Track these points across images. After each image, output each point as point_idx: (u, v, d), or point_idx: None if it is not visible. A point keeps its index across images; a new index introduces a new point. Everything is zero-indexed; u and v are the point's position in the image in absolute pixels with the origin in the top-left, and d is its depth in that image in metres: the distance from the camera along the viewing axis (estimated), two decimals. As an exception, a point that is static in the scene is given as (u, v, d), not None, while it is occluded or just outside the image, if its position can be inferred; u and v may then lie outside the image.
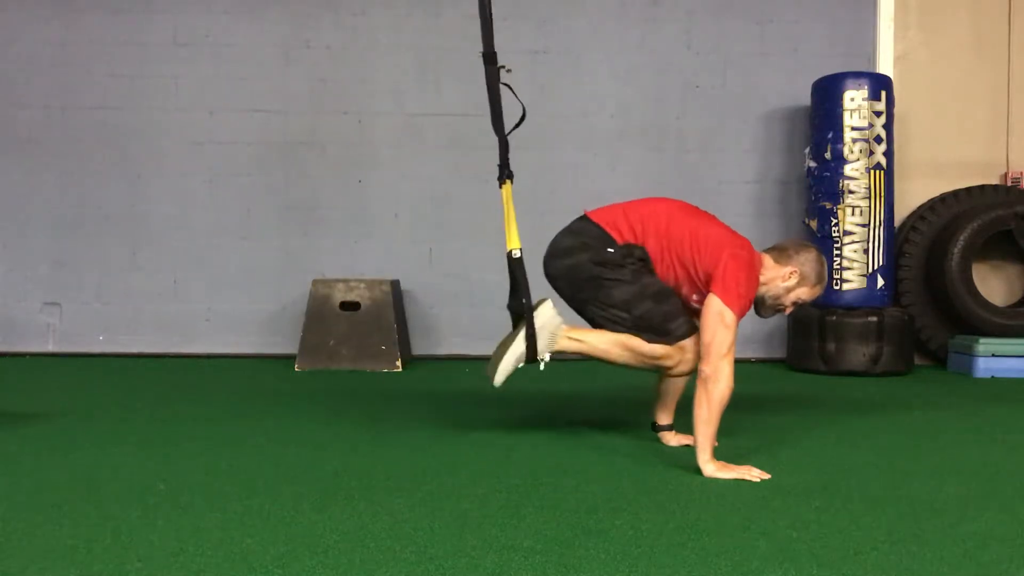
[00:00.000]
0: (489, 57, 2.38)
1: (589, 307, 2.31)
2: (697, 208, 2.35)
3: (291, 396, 3.34)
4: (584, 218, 2.33)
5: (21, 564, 1.34)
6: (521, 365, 2.30)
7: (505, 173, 2.39)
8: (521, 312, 2.28)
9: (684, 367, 2.28)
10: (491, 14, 2.38)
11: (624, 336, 2.26)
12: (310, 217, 4.95)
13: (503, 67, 2.38)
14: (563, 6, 5.04)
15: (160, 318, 4.93)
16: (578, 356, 2.34)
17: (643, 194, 4.85)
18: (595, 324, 2.32)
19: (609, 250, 2.25)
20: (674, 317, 2.24)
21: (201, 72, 4.96)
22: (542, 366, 2.30)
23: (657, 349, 2.24)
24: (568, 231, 2.35)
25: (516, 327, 2.30)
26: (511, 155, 2.44)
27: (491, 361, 2.30)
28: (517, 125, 2.43)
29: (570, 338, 2.28)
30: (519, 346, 2.27)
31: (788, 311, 2.33)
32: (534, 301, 2.30)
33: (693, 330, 2.24)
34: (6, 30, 4.93)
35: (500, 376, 2.27)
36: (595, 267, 2.25)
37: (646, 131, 5.05)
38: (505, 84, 2.37)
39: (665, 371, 2.32)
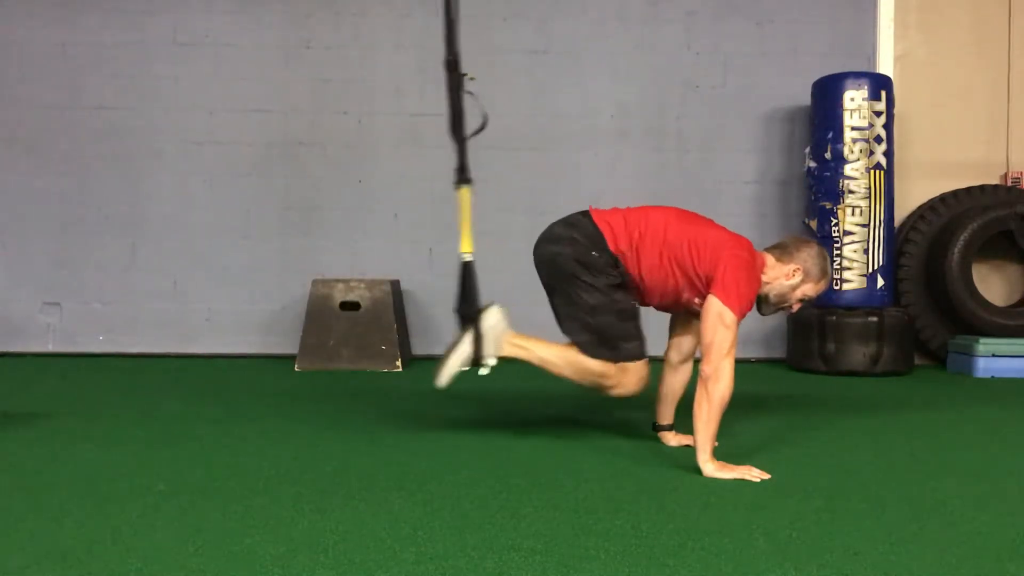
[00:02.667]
0: (451, 64, 2.41)
1: (557, 298, 2.33)
2: (696, 214, 2.35)
3: (291, 396, 3.34)
4: (585, 213, 2.33)
5: (21, 564, 1.34)
6: (467, 368, 2.33)
7: (463, 177, 2.41)
8: (469, 316, 2.32)
9: (621, 390, 2.29)
10: (456, 19, 2.41)
11: (568, 351, 2.30)
12: (310, 217, 4.95)
13: (466, 75, 2.41)
14: (563, 6, 5.04)
15: (160, 318, 4.93)
16: (522, 360, 2.36)
17: (643, 194, 4.91)
18: (558, 316, 2.34)
19: (594, 253, 2.24)
20: (630, 338, 2.26)
21: (201, 72, 4.96)
22: (486, 370, 2.33)
23: (597, 367, 2.26)
24: (565, 221, 2.35)
25: (464, 330, 2.34)
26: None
27: (440, 362, 2.35)
28: (478, 132, 2.44)
29: (514, 344, 2.33)
30: (465, 348, 2.31)
31: (795, 309, 2.33)
32: (484, 305, 2.34)
33: (642, 356, 2.27)
34: (6, 30, 4.93)
35: (445, 377, 2.33)
36: (575, 265, 2.25)
37: (646, 131, 5.05)
38: (469, 92, 2.41)
39: (603, 390, 2.31)
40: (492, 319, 2.32)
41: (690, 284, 2.23)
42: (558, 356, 2.31)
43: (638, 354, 2.27)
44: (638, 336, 2.29)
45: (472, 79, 2.42)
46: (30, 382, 3.78)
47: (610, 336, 2.25)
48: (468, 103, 2.44)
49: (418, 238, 4.99)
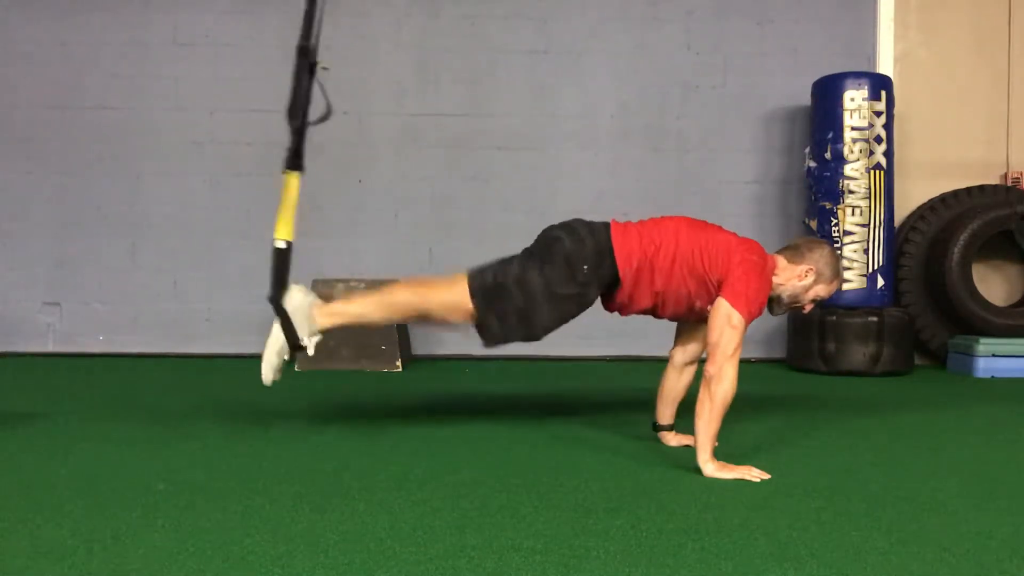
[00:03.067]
0: (303, 50, 2.42)
1: (520, 255, 2.31)
2: (706, 222, 2.34)
3: (291, 396, 3.34)
4: (607, 226, 2.30)
5: (21, 564, 1.34)
6: (287, 357, 2.29)
7: (296, 163, 2.43)
8: (275, 303, 2.28)
9: (434, 307, 2.25)
10: (317, 8, 2.41)
11: (377, 295, 2.30)
12: (310, 217, 4.94)
13: (319, 63, 2.42)
14: (563, 6, 5.04)
15: (160, 318, 4.93)
16: (342, 327, 2.34)
17: (643, 194, 4.91)
18: (496, 261, 2.32)
19: (585, 267, 2.22)
20: (503, 322, 2.24)
21: (201, 72, 4.96)
22: (311, 351, 2.29)
23: (410, 297, 2.25)
24: (589, 225, 2.31)
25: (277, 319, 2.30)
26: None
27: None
28: (320, 121, 2.46)
29: (327, 314, 2.30)
30: (277, 338, 2.26)
31: (807, 309, 2.33)
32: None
33: (489, 342, 2.27)
34: (6, 30, 4.93)
35: (266, 372, 2.27)
36: (561, 258, 2.23)
37: (646, 131, 5.05)
38: (319, 82, 2.42)
39: (424, 317, 2.29)
40: (295, 299, 2.28)
41: (704, 291, 2.22)
42: (369, 304, 2.29)
43: (487, 333, 2.25)
44: (505, 328, 2.25)
45: (326, 69, 2.43)
46: (30, 382, 3.78)
47: (498, 305, 2.23)
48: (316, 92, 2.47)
49: (418, 238, 4.99)
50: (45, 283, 4.93)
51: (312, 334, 2.28)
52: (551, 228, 2.34)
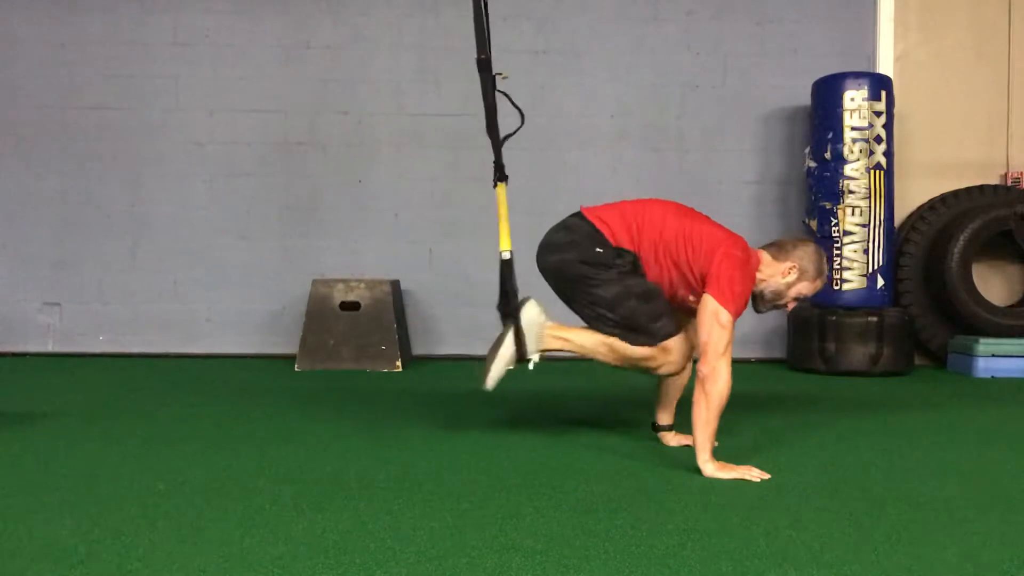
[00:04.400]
0: (483, 64, 2.39)
1: (575, 304, 2.32)
2: (692, 209, 2.35)
3: (291, 396, 3.34)
4: (579, 215, 2.33)
5: (21, 564, 1.34)
6: (512, 367, 2.31)
7: (500, 175, 2.44)
8: (509, 313, 2.30)
9: (668, 368, 2.27)
10: (487, 19, 2.39)
11: (609, 338, 2.27)
12: (310, 217, 4.95)
13: (499, 74, 2.41)
14: (563, 6, 5.04)
15: (160, 318, 4.93)
16: (566, 354, 2.36)
17: (643, 194, 4.88)
18: (585, 319, 2.33)
19: (598, 249, 2.24)
20: (658, 317, 2.23)
21: (201, 72, 4.96)
22: (532, 365, 2.31)
23: (639, 351, 2.24)
24: (562, 226, 2.35)
25: (505, 328, 2.32)
26: (506, 156, 2.49)
27: (483, 364, 2.32)
28: (514, 132, 2.45)
29: (555, 336, 2.31)
30: (508, 347, 2.29)
31: (790, 307, 2.33)
32: (520, 300, 2.33)
33: (676, 330, 2.24)
34: (6, 30, 4.93)
35: (492, 380, 2.30)
36: (582, 266, 2.25)
37: (646, 131, 5.05)
38: (502, 92, 2.41)
39: (649, 372, 2.29)
40: (530, 313, 2.30)
41: (685, 281, 2.23)
42: (600, 343, 2.28)
43: (671, 330, 2.23)
44: (666, 312, 2.25)
45: (505, 78, 2.43)
46: (30, 382, 3.78)
47: (639, 322, 2.22)
48: (502, 102, 2.45)
49: (418, 238, 4.99)
50: (45, 283, 4.93)
51: (537, 350, 2.30)
52: (542, 259, 2.33)
